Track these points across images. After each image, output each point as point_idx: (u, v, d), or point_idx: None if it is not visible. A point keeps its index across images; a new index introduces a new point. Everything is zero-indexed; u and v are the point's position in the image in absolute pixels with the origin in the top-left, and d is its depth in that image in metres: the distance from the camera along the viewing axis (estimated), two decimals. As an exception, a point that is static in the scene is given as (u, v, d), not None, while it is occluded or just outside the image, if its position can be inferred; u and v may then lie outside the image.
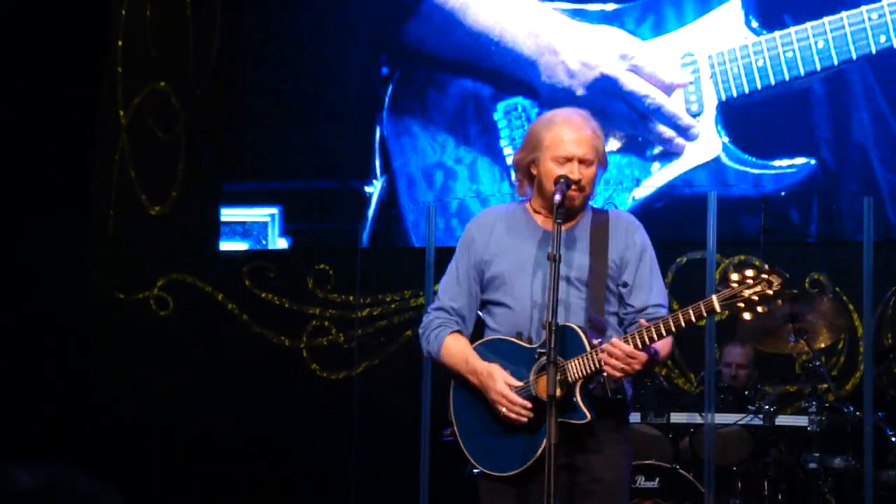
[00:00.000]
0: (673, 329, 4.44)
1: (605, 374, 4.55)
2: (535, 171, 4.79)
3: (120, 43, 10.37)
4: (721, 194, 7.83)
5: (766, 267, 4.33)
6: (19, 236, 9.58)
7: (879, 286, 8.10)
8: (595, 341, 4.55)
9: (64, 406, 9.92)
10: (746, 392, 8.09)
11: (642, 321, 4.53)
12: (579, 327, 4.58)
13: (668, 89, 9.27)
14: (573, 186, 4.68)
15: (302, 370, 9.90)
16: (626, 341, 4.47)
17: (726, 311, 4.42)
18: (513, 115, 9.60)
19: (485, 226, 4.92)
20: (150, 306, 10.21)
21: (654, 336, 4.46)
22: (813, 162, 9.03)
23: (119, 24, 10.36)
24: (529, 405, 4.61)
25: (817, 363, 7.91)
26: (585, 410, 4.52)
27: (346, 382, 9.67)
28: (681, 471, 7.56)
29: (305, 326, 9.97)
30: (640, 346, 4.47)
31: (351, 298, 9.78)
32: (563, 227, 4.67)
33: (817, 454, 7.66)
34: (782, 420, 7.75)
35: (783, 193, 8.91)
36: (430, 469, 7.73)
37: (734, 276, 4.33)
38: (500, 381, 4.65)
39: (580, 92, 9.36)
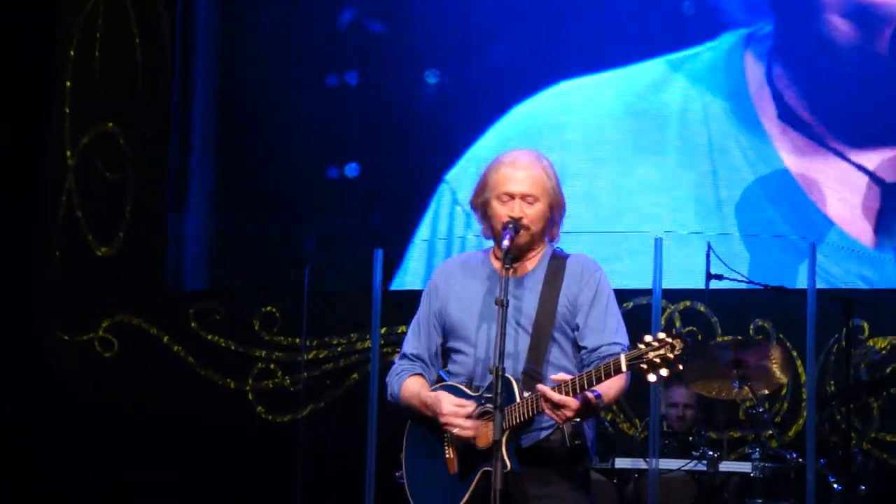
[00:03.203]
0: (586, 385, 4.45)
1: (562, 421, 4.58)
2: (488, 215, 4.82)
3: (68, 83, 10.35)
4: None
5: (674, 331, 4.41)
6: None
7: (823, 333, 8.17)
8: (526, 394, 4.56)
9: (3, 447, 9.87)
10: (691, 438, 8.12)
11: (562, 376, 4.53)
12: (513, 378, 4.59)
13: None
14: (515, 227, 4.69)
15: (247, 413, 9.86)
16: (557, 390, 4.49)
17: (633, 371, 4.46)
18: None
19: (446, 275, 4.95)
20: (95, 347, 10.15)
21: (570, 390, 4.46)
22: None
23: (68, 64, 10.35)
24: (477, 424, 4.63)
25: (761, 409, 7.96)
26: (507, 462, 4.50)
27: (292, 425, 9.63)
28: (625, 516, 7.58)
29: (251, 369, 9.94)
30: (569, 394, 4.47)
31: (297, 341, 9.76)
32: (519, 272, 4.71)
33: (760, 500, 7.68)
34: (726, 466, 7.78)
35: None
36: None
37: (646, 338, 4.39)
38: (446, 404, 4.68)
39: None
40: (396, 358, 5.02)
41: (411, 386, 4.87)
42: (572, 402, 4.46)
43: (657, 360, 4.36)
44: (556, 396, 4.44)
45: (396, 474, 4.93)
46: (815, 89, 9.19)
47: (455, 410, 4.66)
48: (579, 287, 4.78)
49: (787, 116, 9.18)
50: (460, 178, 9.57)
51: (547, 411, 4.48)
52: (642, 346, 4.39)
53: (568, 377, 4.49)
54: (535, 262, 4.83)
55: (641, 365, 4.38)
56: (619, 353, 4.49)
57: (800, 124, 9.16)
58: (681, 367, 4.38)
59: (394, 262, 9.53)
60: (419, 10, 9.91)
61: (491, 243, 4.93)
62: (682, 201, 9.27)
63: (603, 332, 4.75)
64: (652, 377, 4.38)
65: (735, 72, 9.31)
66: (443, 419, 4.68)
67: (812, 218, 9.04)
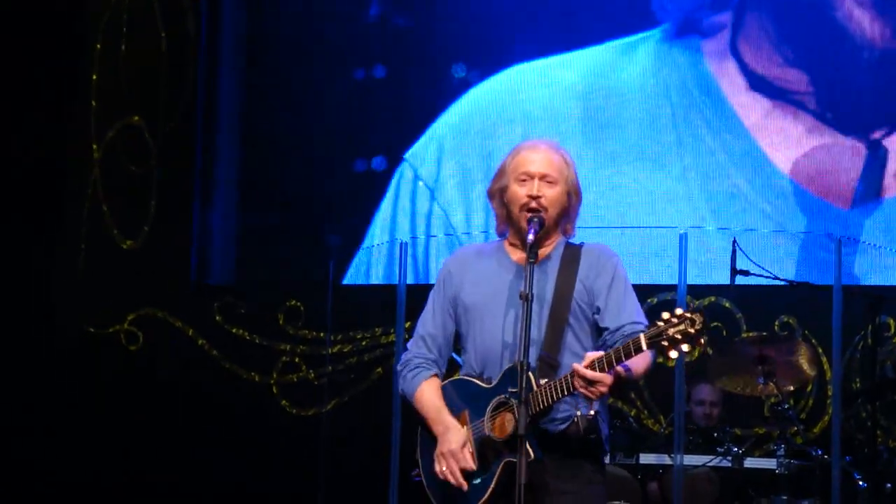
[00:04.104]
0: (614, 361, 4.44)
1: (578, 413, 4.58)
2: (505, 199, 4.82)
3: (94, 77, 10.37)
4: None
5: (692, 306, 4.40)
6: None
7: (849, 329, 8.15)
8: (542, 381, 4.56)
9: (36, 441, 9.90)
10: (715, 434, 8.10)
11: (593, 354, 4.51)
12: (531, 368, 4.57)
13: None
14: (533, 204, 4.72)
15: (271, 406, 9.87)
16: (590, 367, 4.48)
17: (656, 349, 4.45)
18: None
19: (461, 262, 4.95)
20: (121, 341, 10.18)
21: (602, 366, 4.45)
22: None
23: (94, 58, 10.37)
24: (463, 481, 4.65)
25: (786, 406, 7.93)
26: (531, 451, 4.50)
27: (316, 419, 9.64)
28: (649, 512, 7.57)
29: (276, 363, 9.95)
30: (603, 369, 4.46)
31: (322, 335, 9.77)
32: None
33: (785, 497, 7.66)
34: (751, 462, 7.77)
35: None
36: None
37: (664, 315, 4.37)
38: (454, 443, 4.70)
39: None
40: (410, 342, 5.01)
41: (427, 393, 4.86)
42: (606, 378, 4.44)
43: (678, 336, 4.34)
44: (590, 373, 4.43)
45: (413, 474, 4.93)
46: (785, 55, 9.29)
47: (456, 453, 4.67)
48: (596, 272, 4.79)
49: (758, 85, 9.33)
50: (421, 155, 9.76)
51: (580, 389, 4.47)
52: (661, 324, 4.36)
53: (599, 354, 4.47)
54: (550, 249, 4.84)
55: (663, 342, 4.36)
56: (640, 332, 4.49)
57: (772, 90, 9.30)
58: (702, 340, 4.36)
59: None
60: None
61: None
62: (647, 171, 9.39)
63: (622, 313, 4.75)
64: (674, 353, 4.35)
65: (693, 49, 9.49)
66: (443, 451, 4.70)
67: (775, 182, 9.18)
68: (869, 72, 9.14)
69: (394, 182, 9.85)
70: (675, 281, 7.62)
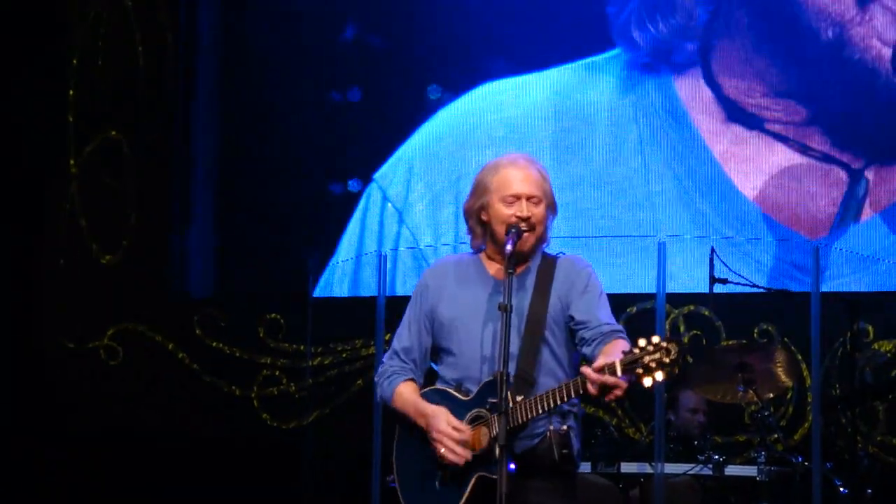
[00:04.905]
0: (581, 391, 4.47)
1: (550, 428, 4.60)
2: (485, 217, 4.84)
3: (71, 92, 10.35)
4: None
5: (669, 335, 4.42)
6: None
7: (828, 336, 8.17)
8: (519, 398, 4.57)
9: (14, 459, 9.87)
10: (696, 442, 8.11)
11: (603, 360, 4.50)
12: (508, 384, 4.57)
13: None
14: (523, 225, 4.74)
15: (253, 420, 9.86)
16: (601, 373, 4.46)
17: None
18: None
19: (438, 275, 4.97)
20: (100, 356, 10.15)
21: (557, 398, 4.52)
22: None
23: (71, 72, 10.35)
24: (467, 452, 4.64)
25: (766, 413, 7.95)
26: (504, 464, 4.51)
27: (297, 432, 9.63)
28: (631, 520, 7.57)
29: (256, 376, 9.94)
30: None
31: (302, 348, 9.76)
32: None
33: (766, 504, 7.69)
34: (731, 470, 7.76)
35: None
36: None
37: (641, 342, 4.39)
38: (443, 422, 4.69)
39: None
40: (386, 356, 5.03)
41: (405, 393, 4.88)
42: (622, 383, 4.44)
43: (653, 365, 4.35)
44: (611, 379, 4.42)
45: (389, 479, 4.94)
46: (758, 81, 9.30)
47: (450, 432, 4.68)
48: (570, 283, 4.82)
49: (734, 115, 9.33)
50: (388, 176, 9.78)
51: (592, 391, 4.45)
52: (637, 351, 4.38)
53: (613, 360, 4.45)
54: (525, 265, 4.86)
55: (638, 369, 4.37)
56: (619, 337, 4.57)
57: (748, 118, 9.30)
58: (677, 370, 4.38)
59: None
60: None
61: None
62: (614, 196, 9.40)
63: (598, 314, 4.78)
64: (648, 381, 4.37)
65: (663, 72, 9.49)
66: (435, 435, 4.70)
67: (742, 210, 9.21)
68: (852, 101, 9.14)
69: (362, 202, 9.86)
70: (653, 290, 7.63)
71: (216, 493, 9.56)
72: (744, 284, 7.96)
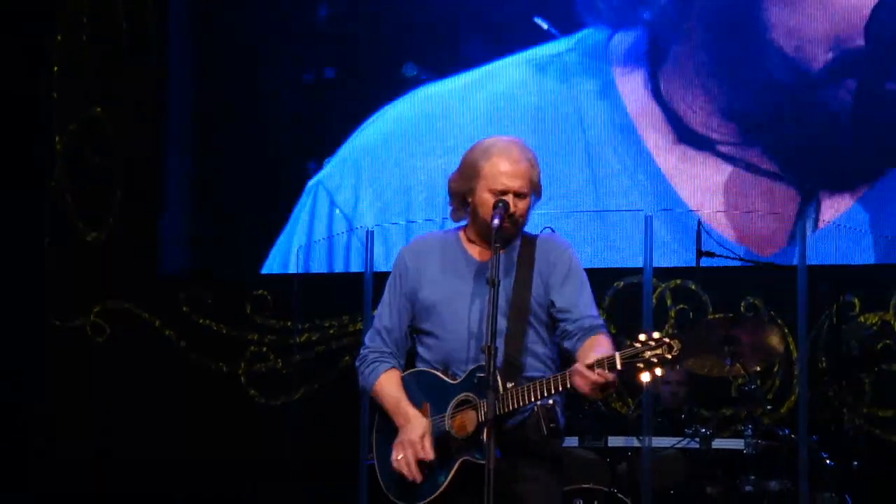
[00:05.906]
0: (569, 386, 4.46)
1: (537, 404, 4.57)
2: (470, 200, 4.79)
3: (55, 69, 10.32)
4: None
5: (670, 332, 4.40)
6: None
7: (814, 310, 8.18)
8: (509, 385, 4.56)
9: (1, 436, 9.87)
10: (683, 416, 8.13)
11: (594, 357, 4.48)
12: (497, 369, 4.53)
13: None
14: (507, 222, 4.67)
15: (240, 396, 9.86)
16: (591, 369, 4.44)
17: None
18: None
19: (418, 255, 4.91)
20: (87, 333, 10.14)
21: (548, 389, 4.49)
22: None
23: (54, 49, 10.31)
24: (419, 474, 4.64)
25: (753, 387, 7.97)
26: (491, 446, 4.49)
27: (285, 408, 9.64)
28: (618, 494, 7.58)
29: (243, 352, 9.94)
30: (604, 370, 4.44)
31: (289, 324, 9.76)
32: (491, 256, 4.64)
33: (753, 477, 7.69)
34: (718, 443, 7.78)
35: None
36: (368, 496, 7.70)
37: (641, 337, 4.38)
38: (416, 434, 4.68)
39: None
40: (367, 335, 4.97)
41: (387, 385, 4.84)
42: (612, 378, 4.42)
43: (654, 360, 4.34)
44: (610, 376, 4.40)
45: (368, 456, 4.93)
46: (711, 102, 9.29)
47: (416, 447, 4.65)
48: (551, 267, 4.79)
49: (685, 136, 9.29)
50: (333, 176, 9.76)
51: (583, 388, 4.44)
52: (638, 345, 4.36)
53: (601, 356, 4.43)
54: (507, 247, 4.80)
55: (638, 364, 4.36)
56: (600, 331, 4.58)
57: (699, 140, 9.27)
58: (677, 366, 4.38)
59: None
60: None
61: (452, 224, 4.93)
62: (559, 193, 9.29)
63: (580, 304, 4.76)
64: (646, 376, 4.36)
65: (604, 73, 9.44)
66: (403, 440, 4.68)
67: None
68: (804, 124, 9.12)
69: (307, 203, 9.87)
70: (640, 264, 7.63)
71: (203, 467, 9.56)
72: (730, 258, 7.97)
